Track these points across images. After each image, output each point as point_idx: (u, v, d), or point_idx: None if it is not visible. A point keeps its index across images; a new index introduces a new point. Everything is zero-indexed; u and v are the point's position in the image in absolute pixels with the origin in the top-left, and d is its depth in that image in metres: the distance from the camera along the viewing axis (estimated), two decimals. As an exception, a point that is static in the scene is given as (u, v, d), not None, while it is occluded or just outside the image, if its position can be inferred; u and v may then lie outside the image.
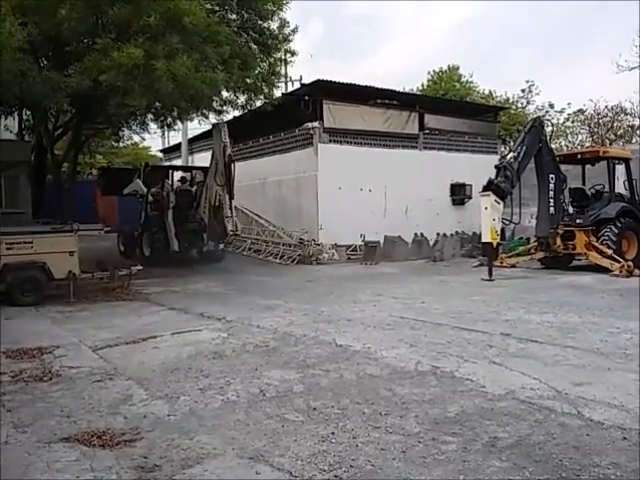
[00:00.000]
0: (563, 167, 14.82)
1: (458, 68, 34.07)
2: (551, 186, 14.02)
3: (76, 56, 12.32)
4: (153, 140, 35.36)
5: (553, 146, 18.45)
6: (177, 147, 28.73)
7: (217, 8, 14.35)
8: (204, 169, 15.69)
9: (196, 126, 21.30)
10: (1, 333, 7.46)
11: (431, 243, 18.80)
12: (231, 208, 14.03)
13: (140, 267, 11.87)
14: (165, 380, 5.37)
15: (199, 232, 15.66)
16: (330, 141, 18.40)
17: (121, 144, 29.59)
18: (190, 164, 24.54)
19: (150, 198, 16.82)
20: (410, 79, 70.95)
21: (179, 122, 18.97)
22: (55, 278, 10.34)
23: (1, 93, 11.69)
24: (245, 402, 4.72)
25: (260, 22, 14.77)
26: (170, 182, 17.63)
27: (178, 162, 26.96)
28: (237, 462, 3.61)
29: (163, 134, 32.26)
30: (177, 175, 18.67)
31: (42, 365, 5.96)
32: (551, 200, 14.02)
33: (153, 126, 20.27)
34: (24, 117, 18.52)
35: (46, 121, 17.20)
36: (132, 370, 5.75)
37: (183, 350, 6.53)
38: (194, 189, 16.71)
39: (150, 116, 17.30)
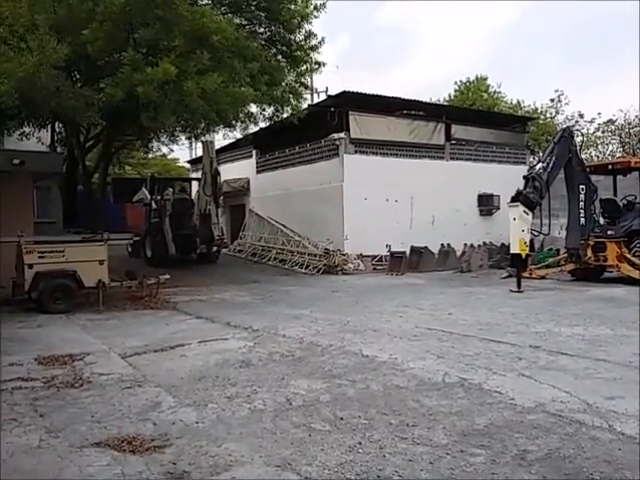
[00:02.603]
0: (594, 178, 14.60)
1: (486, 78, 33.89)
2: (581, 197, 13.82)
3: (107, 71, 12.62)
4: (181, 151, 35.87)
5: (583, 156, 18.17)
6: (203, 158, 29.11)
7: (246, 22, 14.60)
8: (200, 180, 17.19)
9: (223, 137, 21.68)
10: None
11: (458, 254, 18.64)
12: (217, 216, 16.21)
13: (168, 276, 12.02)
14: (193, 388, 5.42)
15: (192, 237, 17.10)
16: (356, 152, 18.45)
17: (150, 155, 30.19)
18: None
19: (154, 205, 18.20)
20: (437, 90, 70.80)
21: (206, 135, 19.27)
22: (85, 286, 10.56)
23: (38, 109, 12.02)
24: (272, 411, 4.74)
25: (287, 35, 14.96)
26: (172, 191, 18.97)
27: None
28: (265, 470, 3.62)
29: (191, 145, 32.75)
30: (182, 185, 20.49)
31: (73, 371, 6.08)
32: (581, 211, 13.81)
33: (181, 138, 20.66)
34: (56, 129, 18.98)
35: (78, 133, 17.60)
36: (161, 377, 5.82)
37: (210, 358, 6.59)
38: (193, 198, 18.20)
39: (179, 128, 17.61)
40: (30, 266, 10.08)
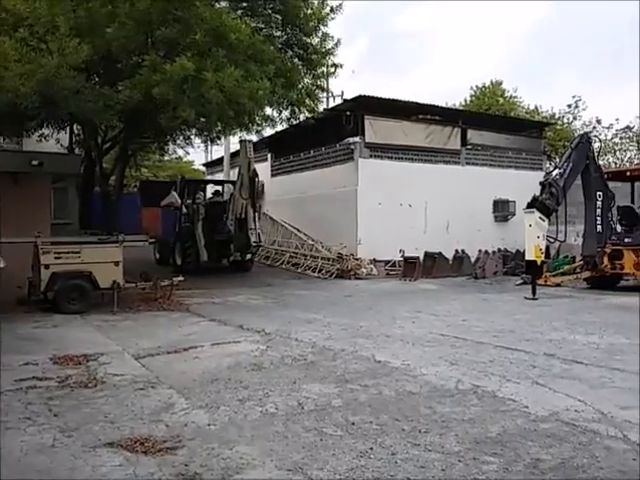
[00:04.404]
0: (611, 184, 14.47)
1: (501, 83, 33.69)
2: (598, 204, 13.72)
3: (126, 73, 12.77)
4: (196, 154, 36.34)
5: (601, 163, 18.00)
6: (219, 161, 29.28)
7: (262, 26, 14.68)
8: (234, 183, 16.40)
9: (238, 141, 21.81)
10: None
11: (472, 260, 18.52)
12: (255, 220, 14.95)
13: (182, 278, 12.09)
14: (205, 390, 5.45)
15: (227, 243, 16.26)
16: (371, 156, 18.43)
17: (166, 158, 30.40)
18: (232, 178, 25.03)
19: (184, 210, 17.59)
20: (453, 94, 70.58)
21: (222, 137, 19.35)
22: (100, 287, 10.63)
23: (57, 110, 12.17)
24: (284, 414, 4.75)
25: (304, 38, 15.02)
26: (203, 195, 18.33)
27: (220, 176, 27.43)
28: (276, 473, 3.62)
29: (206, 148, 33.02)
30: (216, 188, 19.54)
31: (87, 372, 6.13)
32: (598, 218, 13.70)
33: (197, 140, 20.78)
34: (75, 131, 19.18)
35: (96, 135, 17.79)
36: (173, 379, 5.85)
37: (223, 361, 6.61)
38: (225, 201, 17.42)
39: (195, 130, 17.71)
40: (46, 266, 10.17)
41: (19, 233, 10.17)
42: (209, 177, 30.75)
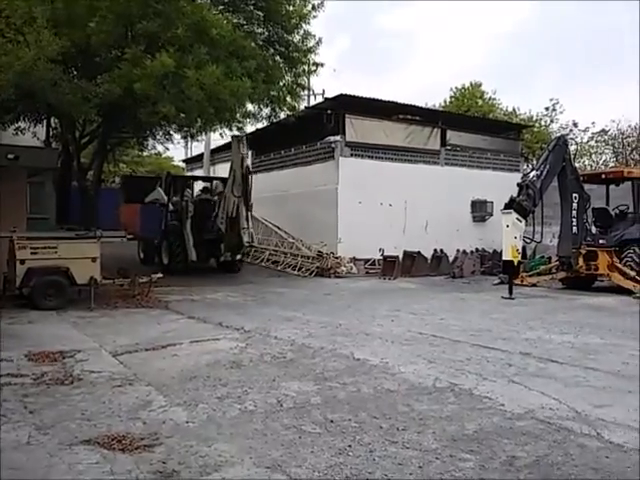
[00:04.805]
0: (587, 187, 14.71)
1: (480, 85, 34.03)
2: (574, 205, 13.92)
3: (105, 66, 12.62)
4: (176, 150, 36.00)
5: (577, 165, 18.30)
6: (199, 157, 29.08)
7: (244, 22, 14.62)
8: (225, 180, 15.86)
9: (218, 137, 21.60)
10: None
11: (451, 259, 18.70)
12: (247, 219, 14.22)
13: (160, 275, 11.99)
14: (184, 387, 5.42)
15: (217, 242, 15.70)
16: (351, 155, 18.49)
17: (145, 153, 30.12)
18: (212, 174, 24.86)
19: (170, 207, 17.05)
20: (434, 95, 71.10)
21: (203, 133, 19.19)
22: (77, 283, 10.50)
23: (35, 102, 11.99)
24: (262, 412, 4.75)
25: (286, 35, 14.98)
26: (190, 192, 17.84)
27: (200, 172, 27.28)
28: (254, 471, 3.63)
29: (186, 144, 32.74)
30: (201, 185, 19.19)
31: (63, 368, 6.06)
32: (574, 219, 13.91)
33: (177, 136, 20.59)
34: (52, 125, 18.88)
35: (73, 129, 17.54)
36: (151, 376, 5.81)
37: (202, 358, 6.59)
38: (215, 199, 16.88)
39: (174, 126, 17.53)
40: (22, 262, 10.01)
41: (-5, 228, 10.00)
42: (189, 173, 30.49)
